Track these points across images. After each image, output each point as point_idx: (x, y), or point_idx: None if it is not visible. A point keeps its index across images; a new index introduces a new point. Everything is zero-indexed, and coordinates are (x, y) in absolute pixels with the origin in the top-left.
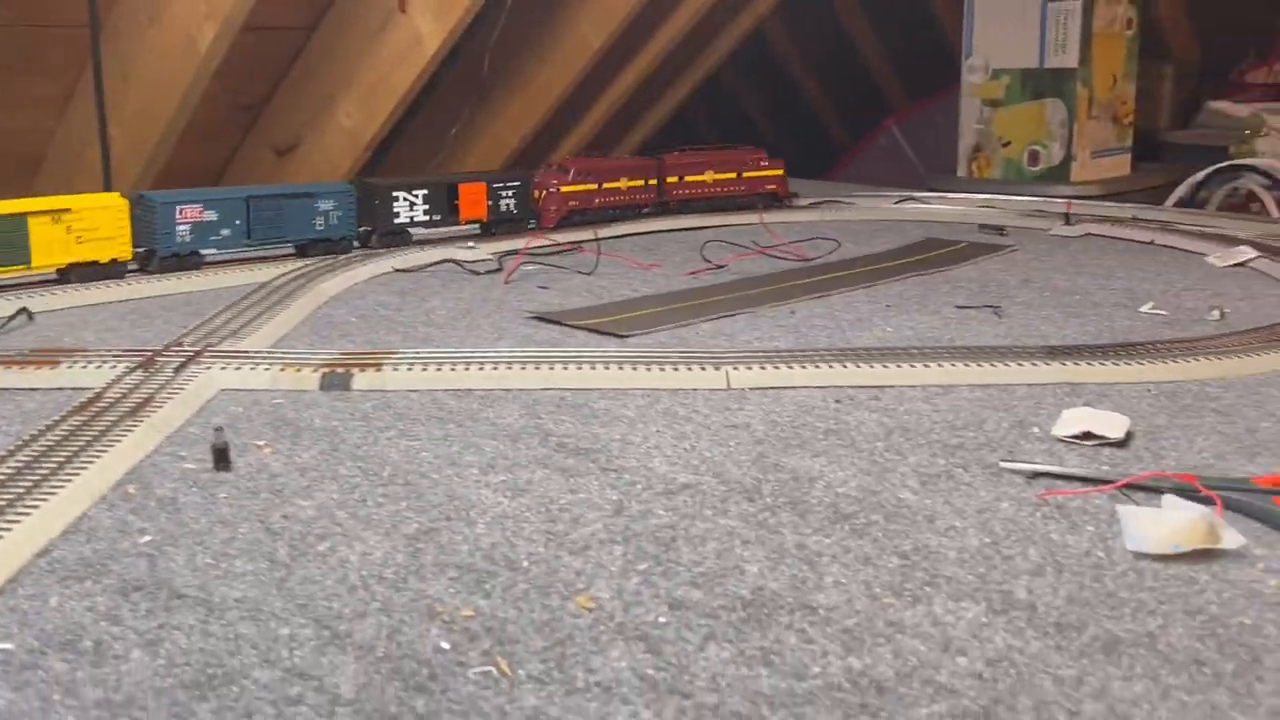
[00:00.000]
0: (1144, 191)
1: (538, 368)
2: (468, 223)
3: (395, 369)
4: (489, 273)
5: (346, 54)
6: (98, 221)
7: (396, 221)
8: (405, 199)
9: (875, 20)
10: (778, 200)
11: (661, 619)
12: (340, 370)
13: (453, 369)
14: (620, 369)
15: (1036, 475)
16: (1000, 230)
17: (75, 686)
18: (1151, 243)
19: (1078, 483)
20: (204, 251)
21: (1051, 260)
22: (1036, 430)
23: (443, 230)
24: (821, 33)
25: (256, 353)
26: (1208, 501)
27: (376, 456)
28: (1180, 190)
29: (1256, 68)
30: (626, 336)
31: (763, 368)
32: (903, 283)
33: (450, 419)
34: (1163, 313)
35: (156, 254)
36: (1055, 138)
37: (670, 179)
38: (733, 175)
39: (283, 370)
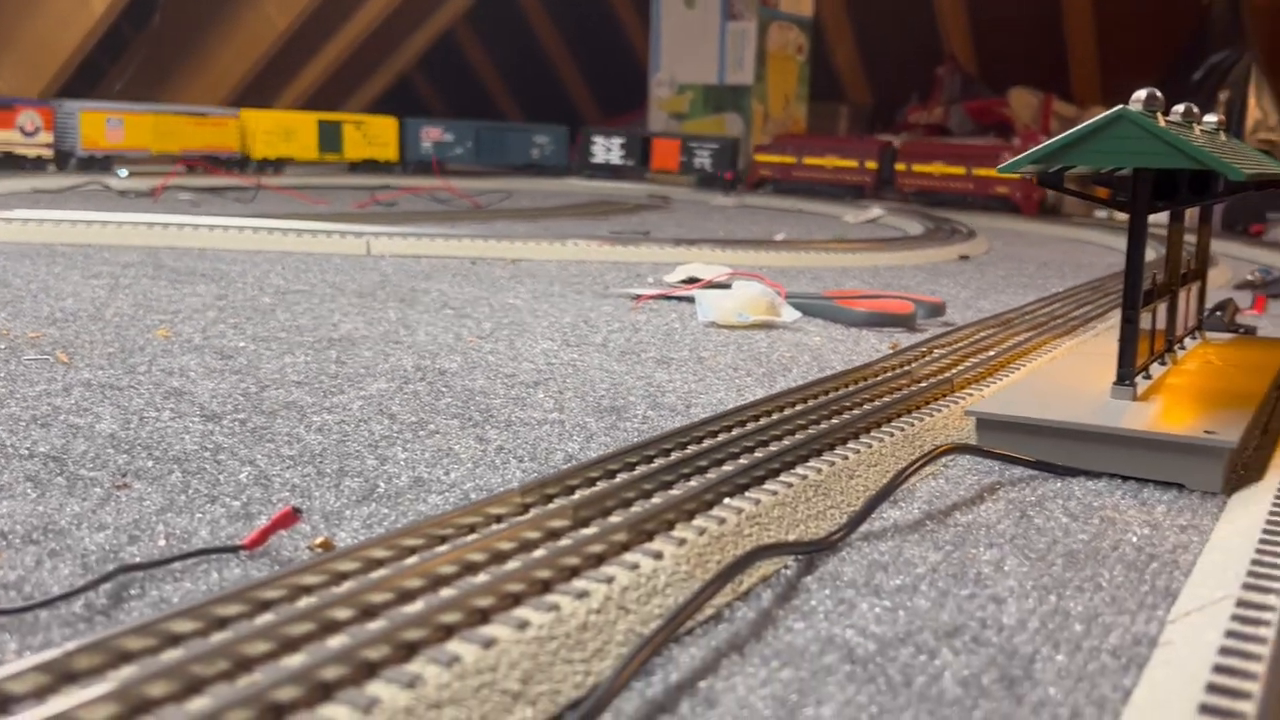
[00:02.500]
0: None
1: (166, 228)
2: (657, 172)
3: (9, 222)
4: (139, 196)
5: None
6: (380, 132)
7: (593, 161)
8: (603, 144)
9: (571, 45)
10: (1015, 209)
11: (241, 343)
12: None
13: (83, 224)
14: (263, 233)
15: (638, 296)
16: (666, 199)
17: None
18: (799, 211)
19: (675, 300)
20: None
21: (708, 217)
22: (650, 279)
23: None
24: (519, 51)
25: None
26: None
27: None
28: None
29: (919, 108)
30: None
31: (404, 239)
32: (564, 220)
33: (65, 257)
34: (781, 236)
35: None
36: None
37: (900, 166)
38: (962, 171)
39: None
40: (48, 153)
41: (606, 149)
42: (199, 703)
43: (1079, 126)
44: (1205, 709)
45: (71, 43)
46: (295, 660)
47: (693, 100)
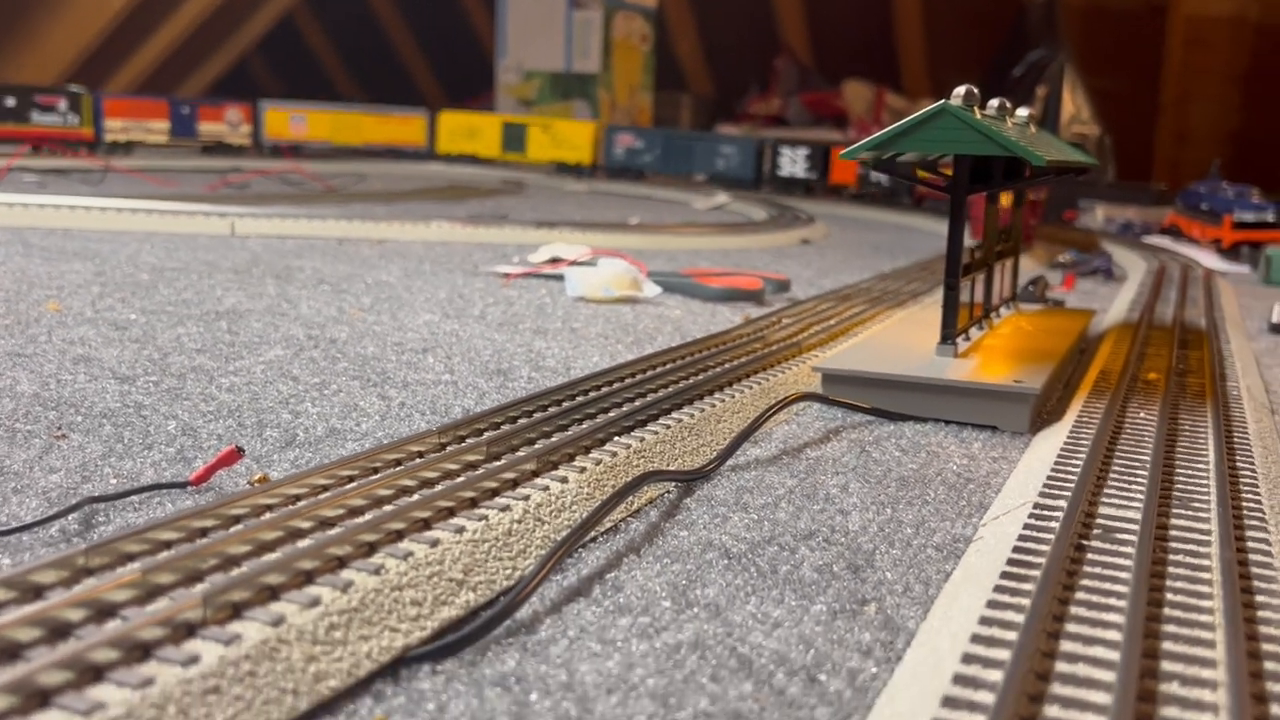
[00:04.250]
0: None
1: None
2: (835, 185)
3: None
4: None
5: None
6: (572, 135)
7: (780, 175)
8: (789, 156)
9: (414, 29)
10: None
11: (132, 316)
12: None
13: None
14: (127, 214)
15: (507, 274)
16: (520, 184)
17: None
18: (649, 198)
19: (541, 278)
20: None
21: (561, 201)
22: (516, 259)
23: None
24: (361, 34)
25: None
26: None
27: None
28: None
29: (759, 99)
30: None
31: (269, 219)
32: (421, 202)
33: None
34: (635, 221)
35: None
36: None
37: None
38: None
39: None
40: (248, 142)
41: (792, 161)
42: (200, 587)
43: (907, 119)
44: (1004, 577)
45: None
46: (274, 556)
47: (540, 87)
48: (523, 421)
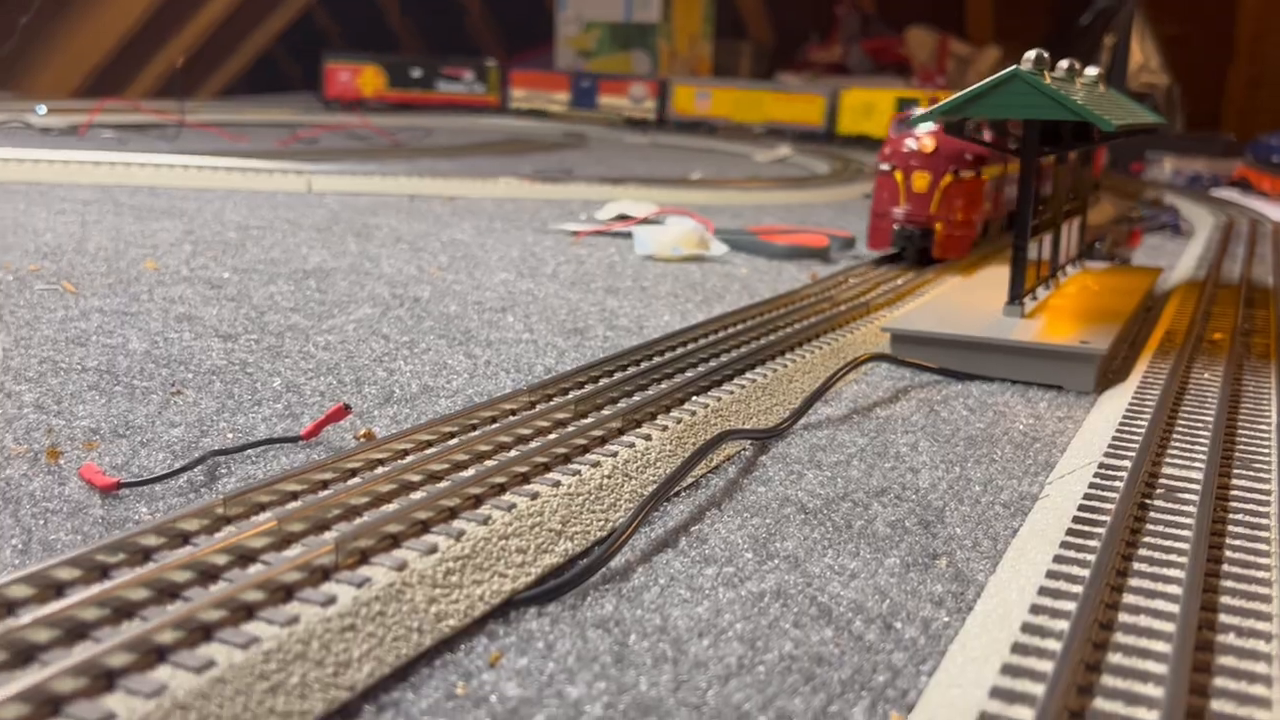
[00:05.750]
0: None
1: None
2: None
3: None
4: (62, 133)
5: None
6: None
7: None
8: None
9: None
10: None
11: (225, 275)
12: None
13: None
14: (209, 171)
15: (576, 232)
16: (581, 137)
17: None
18: (710, 150)
19: (611, 235)
20: None
21: (623, 154)
22: (584, 216)
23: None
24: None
25: None
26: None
27: None
28: None
29: (820, 47)
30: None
31: (344, 176)
32: (486, 157)
33: (22, 195)
34: (697, 175)
35: None
36: None
37: None
38: None
39: None
40: (652, 116)
41: None
42: (330, 534)
43: (978, 84)
44: (1070, 533)
45: None
46: (392, 507)
47: (599, 38)
48: (605, 381)
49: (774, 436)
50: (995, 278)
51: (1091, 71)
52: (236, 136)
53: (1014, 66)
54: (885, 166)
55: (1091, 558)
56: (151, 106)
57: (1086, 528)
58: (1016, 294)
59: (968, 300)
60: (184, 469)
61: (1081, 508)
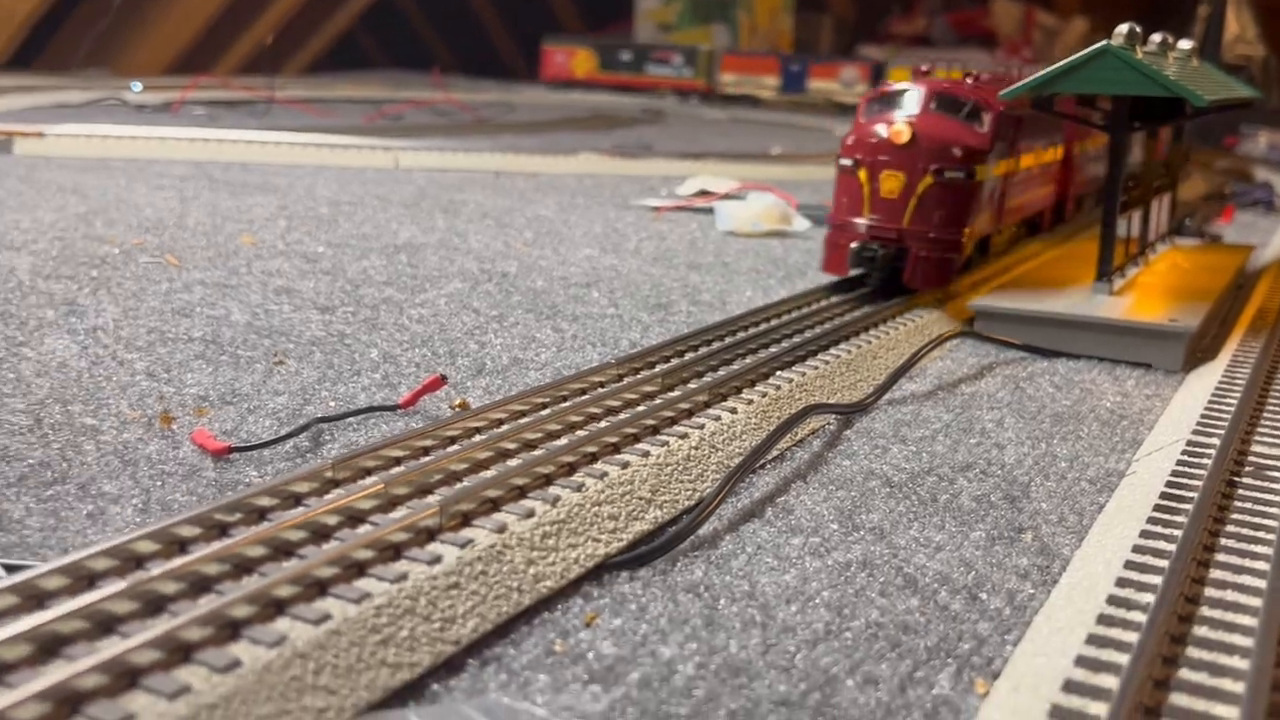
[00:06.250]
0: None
1: (208, 142)
2: None
3: (59, 137)
4: (156, 110)
5: None
6: None
7: None
8: None
9: None
10: None
11: (320, 249)
12: (0, 138)
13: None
14: (298, 148)
15: (657, 208)
16: (659, 112)
17: None
18: (788, 124)
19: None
20: None
21: (701, 129)
22: (664, 191)
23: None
24: None
25: None
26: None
27: (44, 181)
28: None
29: (902, 18)
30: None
31: (430, 152)
32: (568, 132)
33: (123, 170)
34: (777, 150)
35: None
36: None
37: None
38: None
39: None
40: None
41: None
42: (434, 498)
43: (1068, 59)
44: (1157, 509)
45: (23, 12)
46: (490, 473)
47: (680, 11)
48: (690, 355)
49: (859, 411)
50: (1084, 254)
51: (1185, 44)
52: (323, 113)
53: (1105, 41)
54: (846, 162)
55: (1178, 533)
56: (240, 83)
57: (1173, 504)
58: (1105, 271)
59: (1055, 276)
60: (291, 435)
61: (1168, 484)
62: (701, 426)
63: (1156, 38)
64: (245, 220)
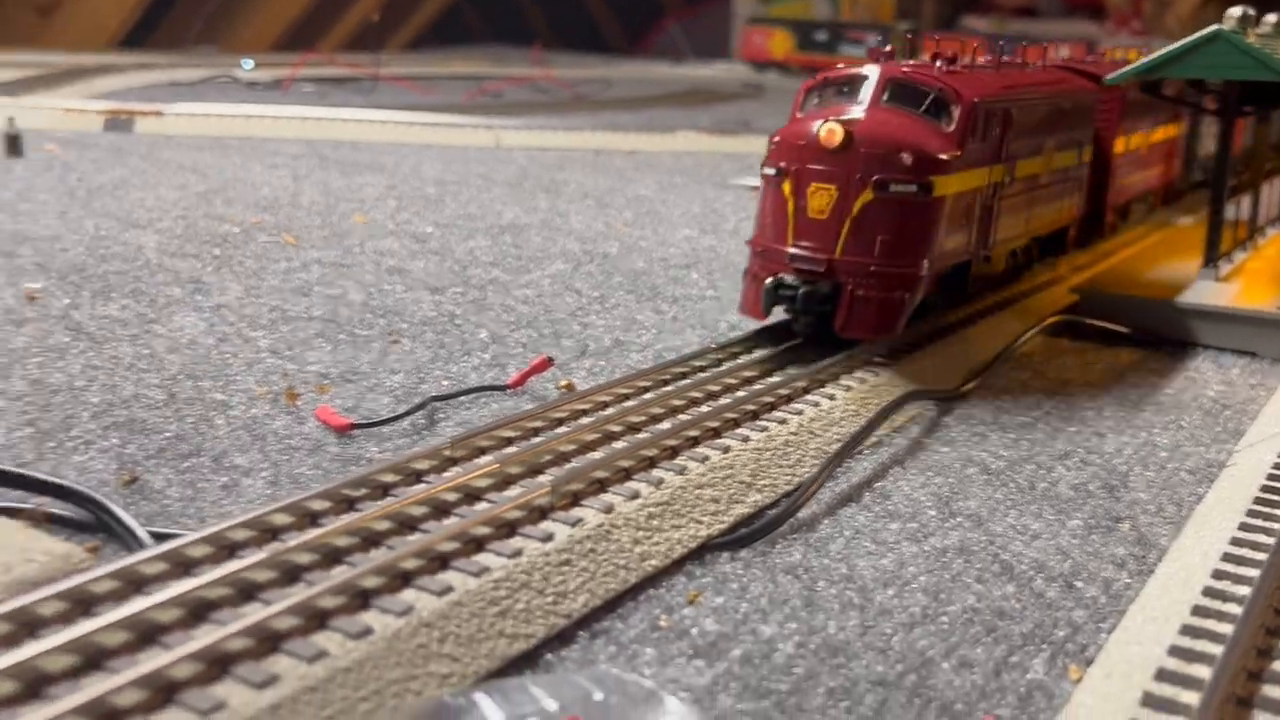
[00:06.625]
0: None
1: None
2: None
3: (177, 116)
4: (266, 88)
5: None
6: None
7: None
8: None
9: None
10: None
11: (428, 229)
12: (123, 117)
13: (244, 118)
14: (404, 127)
15: (756, 188)
16: (759, 88)
17: None
18: None
19: None
20: None
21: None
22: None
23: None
24: None
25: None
26: None
27: (165, 159)
28: None
29: None
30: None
31: (531, 132)
32: (666, 109)
33: (238, 149)
34: None
35: None
36: None
37: None
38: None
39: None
40: None
41: None
42: (546, 477)
43: (1178, 43)
44: (1257, 502)
45: None
46: (597, 455)
47: None
48: (789, 341)
49: (957, 398)
50: (1191, 239)
51: None
52: (426, 90)
53: (1216, 26)
54: (769, 170)
55: (1277, 527)
56: (346, 60)
57: (1273, 497)
58: (1212, 257)
59: (1160, 261)
60: (408, 413)
61: (1270, 477)
62: (800, 412)
63: (1271, 19)
64: (356, 199)
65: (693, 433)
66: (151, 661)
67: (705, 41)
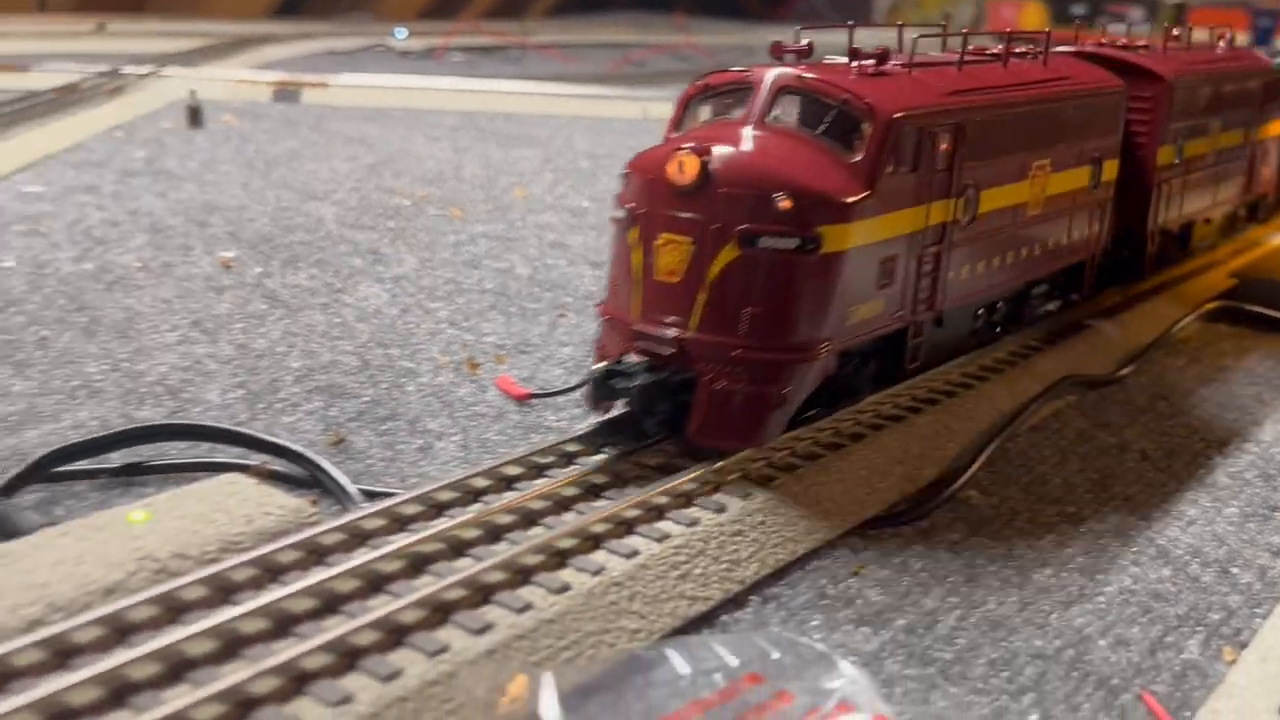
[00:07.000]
0: None
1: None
2: None
3: (341, 87)
4: (419, 58)
5: None
6: None
7: None
8: None
9: None
10: None
11: (584, 204)
12: (290, 88)
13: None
14: (552, 98)
15: None
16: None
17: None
18: None
19: None
20: None
21: None
22: None
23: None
24: None
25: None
26: None
27: (333, 130)
28: None
29: None
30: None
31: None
32: None
33: (400, 120)
34: None
35: None
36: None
37: None
38: None
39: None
40: None
41: None
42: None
43: None
44: None
45: None
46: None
47: None
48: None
49: (1114, 383)
50: None
51: None
52: (570, 58)
53: None
54: (620, 214)
55: None
56: (491, 28)
57: None
58: None
59: None
60: (581, 384)
61: None
62: (952, 395)
63: None
64: (515, 173)
65: (849, 421)
66: (382, 608)
67: (847, 6)
